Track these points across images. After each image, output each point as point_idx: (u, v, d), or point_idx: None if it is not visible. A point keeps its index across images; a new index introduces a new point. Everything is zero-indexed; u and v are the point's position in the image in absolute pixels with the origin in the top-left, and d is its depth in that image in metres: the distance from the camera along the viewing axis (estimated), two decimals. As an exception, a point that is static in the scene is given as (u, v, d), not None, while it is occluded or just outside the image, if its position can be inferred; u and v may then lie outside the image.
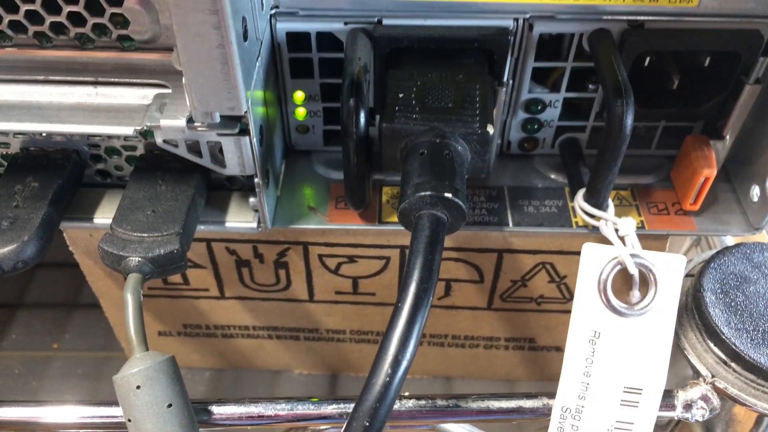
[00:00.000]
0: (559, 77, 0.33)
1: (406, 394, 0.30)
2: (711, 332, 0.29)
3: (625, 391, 0.29)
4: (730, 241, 0.38)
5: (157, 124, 0.27)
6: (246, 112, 0.26)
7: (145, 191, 0.30)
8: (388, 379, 0.23)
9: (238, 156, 0.29)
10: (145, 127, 0.27)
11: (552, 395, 0.30)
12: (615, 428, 0.29)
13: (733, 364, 0.28)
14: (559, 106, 0.34)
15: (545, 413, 0.30)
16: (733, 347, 0.28)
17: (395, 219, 0.33)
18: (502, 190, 0.35)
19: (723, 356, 0.29)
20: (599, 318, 0.29)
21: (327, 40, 0.31)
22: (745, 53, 0.30)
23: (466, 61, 0.30)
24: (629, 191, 0.35)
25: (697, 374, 0.29)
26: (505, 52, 0.30)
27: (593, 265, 0.29)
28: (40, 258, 0.28)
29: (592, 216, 0.31)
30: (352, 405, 0.23)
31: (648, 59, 0.33)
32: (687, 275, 0.32)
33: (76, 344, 0.51)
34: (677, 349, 0.30)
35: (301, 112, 0.34)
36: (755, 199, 0.33)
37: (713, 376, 0.29)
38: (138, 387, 0.25)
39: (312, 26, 0.30)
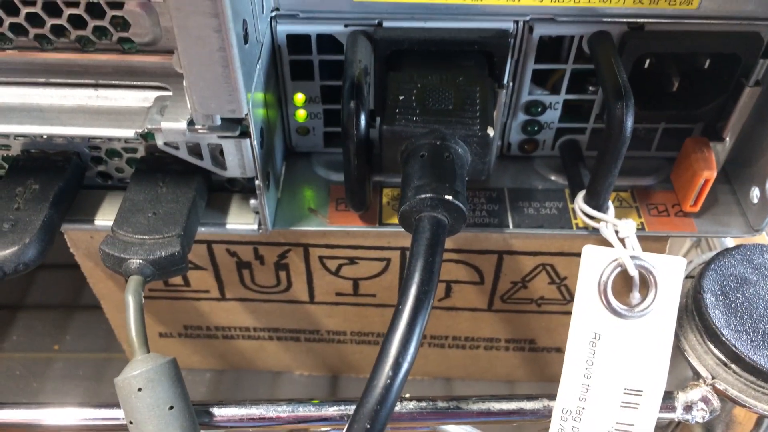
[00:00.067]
0: (559, 79, 0.33)
1: (407, 395, 0.30)
2: (711, 334, 0.29)
3: (625, 393, 0.29)
4: (730, 242, 0.38)
5: (158, 126, 0.27)
6: (247, 114, 0.26)
7: (146, 193, 0.30)
8: (389, 381, 0.23)
9: (239, 158, 0.29)
10: (146, 130, 0.27)
11: (552, 397, 0.30)
12: (615, 430, 0.29)
13: (733, 366, 0.29)
14: (559, 108, 0.34)
15: (546, 415, 0.30)
16: (734, 349, 0.28)
17: (395, 221, 0.33)
18: (502, 192, 0.35)
19: (723, 358, 0.29)
20: (599, 320, 0.29)
21: (327, 42, 0.31)
22: (744, 55, 0.30)
23: (467, 64, 0.30)
24: (629, 193, 0.35)
25: (697, 376, 0.29)
26: (506, 54, 0.30)
27: (593, 267, 0.29)
28: (41, 260, 0.28)
29: (592, 218, 0.31)
30: (353, 407, 0.23)
31: (648, 61, 0.33)
32: (687, 277, 0.32)
33: (76, 346, 0.51)
34: (677, 351, 0.30)
35: (301, 114, 0.34)
36: (755, 201, 0.33)
37: (713, 378, 0.29)
38: (139, 389, 0.25)
39: (312, 28, 0.30)
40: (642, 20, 0.30)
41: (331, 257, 0.37)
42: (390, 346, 0.23)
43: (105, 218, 0.32)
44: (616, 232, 0.30)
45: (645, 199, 0.35)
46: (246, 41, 0.25)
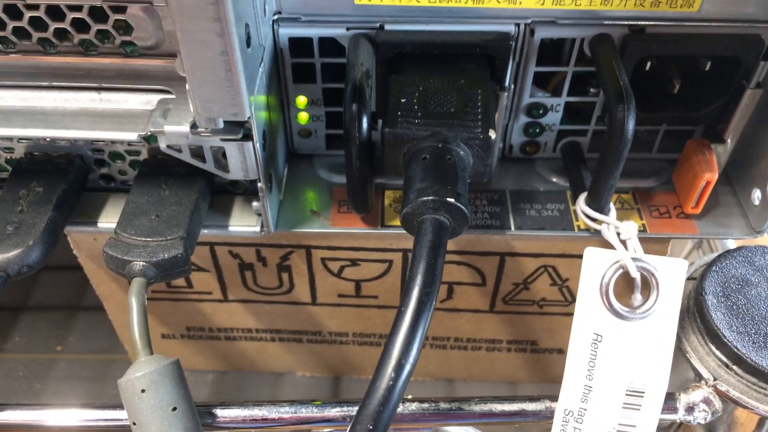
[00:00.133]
0: (560, 81, 0.33)
1: (409, 396, 0.30)
2: (713, 335, 0.29)
3: (627, 394, 0.29)
4: (731, 244, 0.38)
5: (161, 129, 0.27)
6: (249, 117, 0.26)
7: (149, 196, 0.30)
8: (391, 383, 0.23)
9: (242, 161, 0.29)
10: (148, 133, 0.27)
11: (554, 398, 0.30)
12: (617, 431, 0.29)
13: (735, 367, 0.29)
14: (561, 110, 0.34)
15: (548, 416, 0.30)
16: (735, 350, 0.28)
17: (397, 223, 0.33)
18: (504, 194, 0.35)
19: (725, 359, 0.29)
20: (601, 321, 0.29)
21: (329, 45, 0.31)
22: (745, 58, 0.30)
23: (468, 66, 0.31)
24: (631, 195, 0.35)
25: (699, 377, 0.30)
26: (507, 56, 0.30)
27: (595, 269, 0.29)
28: (44, 262, 0.29)
29: (593, 219, 0.31)
30: (356, 408, 0.23)
31: (649, 64, 0.33)
32: (688, 278, 0.32)
33: (79, 347, 0.51)
34: (679, 352, 0.30)
35: (303, 117, 0.34)
36: (756, 203, 0.33)
37: (715, 379, 0.29)
38: (143, 390, 0.25)
39: (314, 32, 0.30)
40: (643, 23, 0.30)
41: (333, 259, 0.37)
42: (393, 347, 0.23)
43: (108, 220, 0.32)
44: (618, 234, 0.30)
45: (646, 201, 0.35)
46: (248, 45, 0.25)
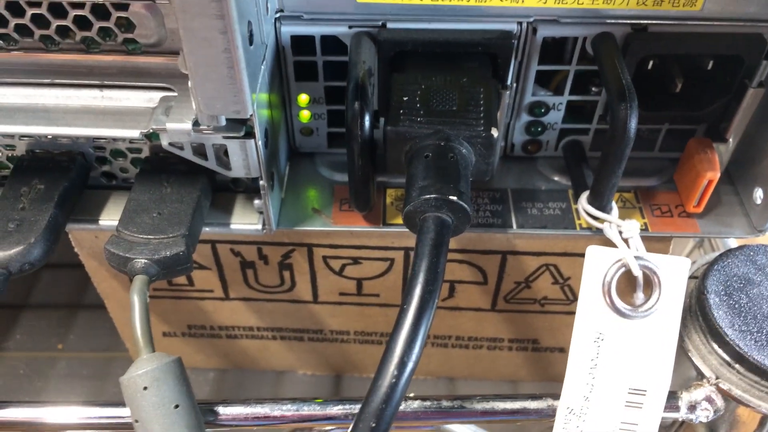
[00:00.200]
0: (562, 80, 0.33)
1: (411, 395, 0.30)
2: (715, 334, 0.29)
3: (629, 393, 0.29)
4: (733, 243, 0.38)
5: (163, 127, 0.27)
6: (251, 115, 0.26)
7: (151, 193, 0.30)
8: (394, 380, 0.23)
9: (243, 158, 0.29)
10: (150, 130, 0.27)
11: (556, 396, 0.30)
12: (619, 429, 0.29)
13: (737, 366, 0.29)
14: (563, 108, 0.34)
15: (550, 414, 0.30)
16: (737, 349, 0.28)
17: (399, 221, 0.33)
18: (505, 193, 0.35)
19: (727, 358, 0.29)
20: (603, 320, 0.29)
21: (331, 43, 0.31)
22: (748, 57, 0.30)
23: (470, 65, 0.31)
24: (633, 193, 0.35)
25: (701, 376, 0.30)
26: (509, 55, 0.30)
27: (597, 267, 0.29)
28: (46, 260, 0.29)
29: (595, 218, 0.31)
30: (358, 406, 0.23)
31: (651, 62, 0.33)
32: (690, 277, 0.32)
33: (80, 345, 0.51)
34: (681, 351, 0.30)
35: (305, 115, 0.34)
36: (758, 202, 0.33)
37: (717, 378, 0.29)
38: (145, 388, 0.25)
39: (316, 30, 0.30)
40: (645, 22, 0.30)
41: (334, 257, 0.37)
42: (395, 345, 0.23)
43: (109, 218, 0.32)
44: (620, 232, 0.30)
45: (648, 200, 0.35)
46: (251, 42, 0.25)
